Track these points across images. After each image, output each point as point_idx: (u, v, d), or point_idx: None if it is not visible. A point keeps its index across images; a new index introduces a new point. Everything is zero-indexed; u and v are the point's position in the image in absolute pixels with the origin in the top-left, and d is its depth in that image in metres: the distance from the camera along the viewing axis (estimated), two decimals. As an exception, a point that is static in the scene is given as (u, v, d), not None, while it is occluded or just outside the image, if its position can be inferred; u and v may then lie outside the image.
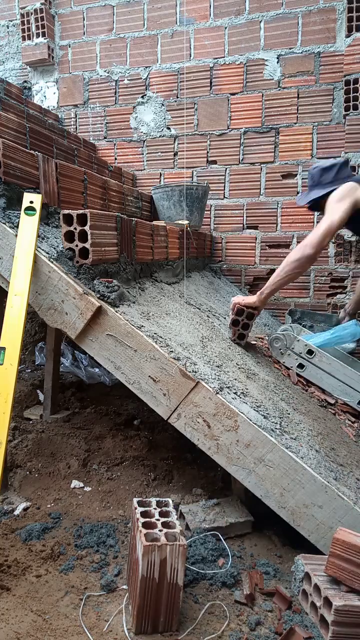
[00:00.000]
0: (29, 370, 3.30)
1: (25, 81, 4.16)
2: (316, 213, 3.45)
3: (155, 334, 1.70)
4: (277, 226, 3.59)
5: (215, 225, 3.77)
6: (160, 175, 3.88)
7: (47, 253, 1.71)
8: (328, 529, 1.45)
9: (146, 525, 1.24)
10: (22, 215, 1.72)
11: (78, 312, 1.63)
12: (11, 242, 1.69)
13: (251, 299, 2.19)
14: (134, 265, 2.16)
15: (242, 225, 3.70)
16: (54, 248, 1.79)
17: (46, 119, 3.39)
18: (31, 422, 2.48)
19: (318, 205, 2.45)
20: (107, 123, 3.96)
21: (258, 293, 2.19)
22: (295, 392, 2.16)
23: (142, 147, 3.89)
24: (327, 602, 1.20)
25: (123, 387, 1.79)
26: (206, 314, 2.46)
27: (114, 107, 3.93)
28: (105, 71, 3.91)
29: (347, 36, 3.15)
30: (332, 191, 2.29)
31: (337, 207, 2.16)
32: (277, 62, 3.44)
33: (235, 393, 1.66)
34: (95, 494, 1.88)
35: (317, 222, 3.48)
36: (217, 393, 1.56)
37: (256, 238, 3.66)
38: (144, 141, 3.88)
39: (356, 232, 2.57)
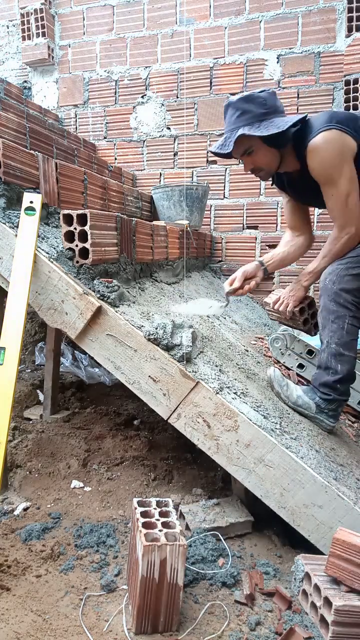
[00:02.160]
0: (29, 370, 3.30)
1: (25, 81, 4.17)
2: (316, 212, 3.44)
3: (155, 334, 1.70)
4: (277, 226, 3.59)
5: (215, 225, 3.77)
6: (160, 175, 3.88)
7: (47, 253, 1.71)
8: (328, 529, 1.45)
9: (146, 525, 1.23)
10: (22, 215, 1.72)
11: (78, 312, 1.63)
12: (11, 242, 1.69)
13: (301, 293, 2.03)
14: (134, 265, 2.16)
15: (242, 225, 3.70)
16: (54, 248, 1.79)
17: (46, 119, 3.39)
18: (31, 422, 2.48)
19: (278, 142, 1.75)
20: (107, 123, 3.96)
21: (303, 283, 2.01)
22: (295, 392, 2.16)
23: (142, 147, 3.89)
24: (327, 602, 1.20)
25: (123, 387, 1.79)
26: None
27: (114, 107, 3.93)
28: (105, 71, 3.91)
29: (347, 36, 3.15)
30: (301, 122, 1.73)
31: (345, 172, 1.73)
32: (277, 62, 3.44)
33: (235, 393, 1.66)
34: (95, 494, 1.88)
35: (316, 221, 3.48)
36: (217, 393, 1.56)
37: (256, 238, 3.66)
38: (144, 141, 3.88)
39: None
